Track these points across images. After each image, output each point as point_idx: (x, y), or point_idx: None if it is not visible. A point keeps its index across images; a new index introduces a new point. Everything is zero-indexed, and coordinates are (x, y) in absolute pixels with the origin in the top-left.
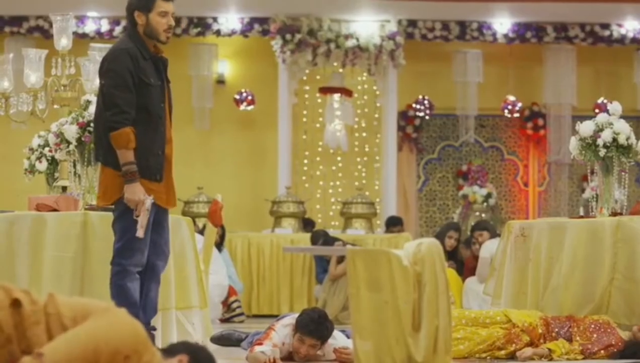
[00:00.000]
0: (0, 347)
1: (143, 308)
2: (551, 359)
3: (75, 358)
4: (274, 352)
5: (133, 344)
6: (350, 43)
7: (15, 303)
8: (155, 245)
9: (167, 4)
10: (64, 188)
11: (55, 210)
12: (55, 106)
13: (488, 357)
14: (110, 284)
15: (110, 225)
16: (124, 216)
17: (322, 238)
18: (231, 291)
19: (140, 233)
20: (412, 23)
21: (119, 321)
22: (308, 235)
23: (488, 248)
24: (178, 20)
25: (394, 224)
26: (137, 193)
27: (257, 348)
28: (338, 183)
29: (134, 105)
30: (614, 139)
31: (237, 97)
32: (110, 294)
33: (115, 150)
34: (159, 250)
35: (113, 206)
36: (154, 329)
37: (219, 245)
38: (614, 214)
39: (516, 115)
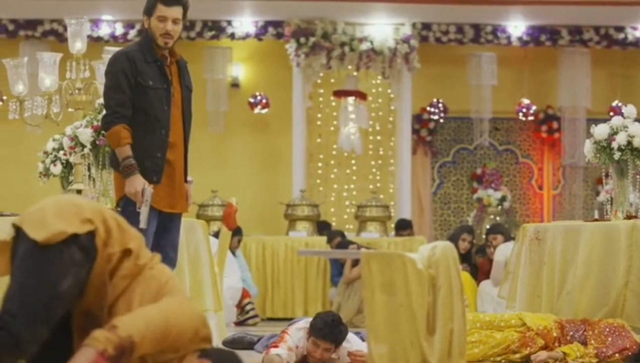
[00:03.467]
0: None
1: None
2: (566, 362)
3: (150, 335)
4: (290, 356)
5: (194, 335)
6: (365, 46)
7: (126, 252)
8: (160, 249)
9: (167, 9)
10: (79, 191)
11: None
12: (70, 110)
13: (503, 361)
14: None
15: None
16: (123, 217)
17: (338, 237)
18: (244, 293)
19: (142, 223)
20: (427, 26)
21: (190, 309)
22: (323, 238)
23: (502, 251)
24: (192, 24)
25: (403, 227)
26: (135, 185)
27: (273, 351)
28: (352, 186)
29: (127, 105)
30: (629, 142)
31: (252, 100)
32: None
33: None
34: (163, 254)
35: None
36: None
37: (234, 249)
38: (629, 217)
39: (531, 118)
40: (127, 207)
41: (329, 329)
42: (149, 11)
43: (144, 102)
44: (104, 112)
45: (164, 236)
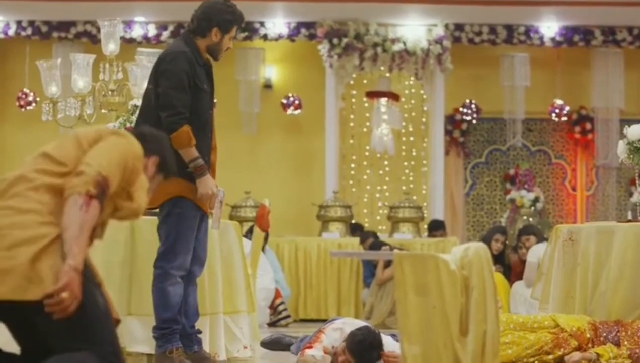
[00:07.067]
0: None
1: (185, 313)
2: None
3: (113, 166)
4: (325, 359)
5: (141, 153)
6: (397, 47)
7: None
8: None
9: (236, 31)
10: None
11: None
12: (103, 111)
13: (536, 362)
14: (153, 287)
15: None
16: (167, 219)
17: (371, 238)
18: (276, 294)
19: (215, 225)
20: (459, 27)
21: (130, 136)
22: (356, 240)
23: (535, 252)
24: None
25: (436, 228)
26: (210, 186)
27: (308, 352)
28: (385, 187)
29: (188, 107)
30: None
31: (284, 101)
32: (152, 297)
33: (179, 151)
34: (194, 255)
35: (158, 210)
36: (199, 332)
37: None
38: None
39: (564, 119)
40: (173, 209)
41: (361, 349)
42: (225, 29)
43: (198, 105)
44: (166, 111)
45: (195, 236)
